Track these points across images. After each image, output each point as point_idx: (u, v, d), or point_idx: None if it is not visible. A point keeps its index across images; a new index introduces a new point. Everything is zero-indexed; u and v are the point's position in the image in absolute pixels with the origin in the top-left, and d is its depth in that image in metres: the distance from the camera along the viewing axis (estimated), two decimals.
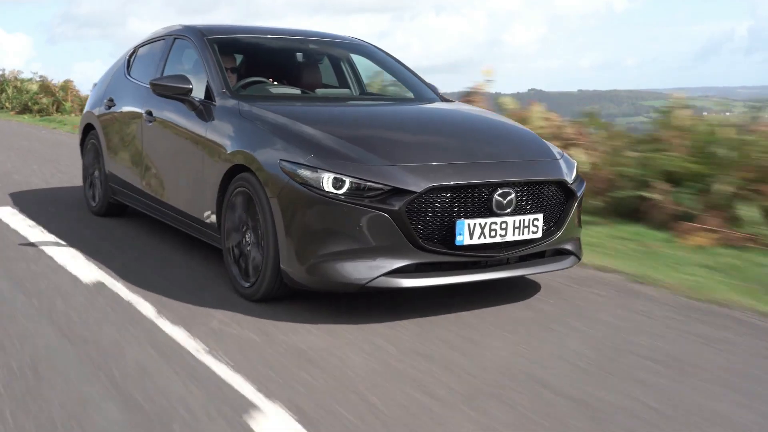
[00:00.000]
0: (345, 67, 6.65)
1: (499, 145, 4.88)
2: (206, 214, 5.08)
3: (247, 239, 4.65)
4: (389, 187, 4.13)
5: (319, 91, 6.05)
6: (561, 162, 4.81)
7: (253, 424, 3.00)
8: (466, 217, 4.23)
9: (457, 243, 4.20)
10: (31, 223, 6.74)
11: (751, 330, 4.38)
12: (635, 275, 5.42)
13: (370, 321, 4.28)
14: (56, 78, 24.84)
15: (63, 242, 6.00)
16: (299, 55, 6.42)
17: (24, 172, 10.13)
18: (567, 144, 7.92)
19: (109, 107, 6.79)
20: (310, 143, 4.41)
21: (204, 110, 5.21)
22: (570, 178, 4.72)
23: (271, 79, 5.89)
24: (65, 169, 10.54)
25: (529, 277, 5.14)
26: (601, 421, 3.13)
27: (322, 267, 4.15)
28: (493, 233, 4.28)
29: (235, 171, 4.73)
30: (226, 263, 4.86)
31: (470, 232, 4.22)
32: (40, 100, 23.25)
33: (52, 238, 6.16)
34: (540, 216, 4.46)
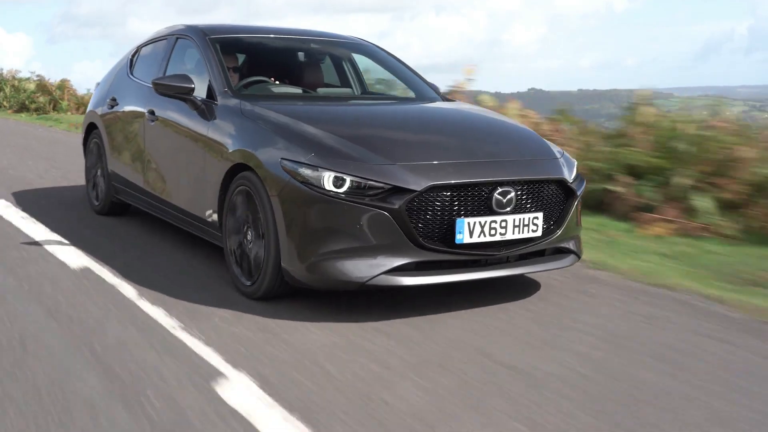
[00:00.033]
0: (347, 67, 6.65)
1: (499, 144, 4.88)
2: (208, 213, 5.08)
3: (248, 238, 4.65)
4: (390, 186, 4.13)
5: (321, 90, 6.05)
6: (561, 161, 4.80)
7: (219, 390, 3.28)
8: (466, 216, 4.23)
9: (457, 241, 4.21)
10: (24, 215, 6.99)
11: (690, 310, 4.69)
12: (593, 262, 5.70)
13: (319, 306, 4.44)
14: (55, 78, 25.38)
15: (55, 233, 6.24)
16: (301, 55, 6.43)
17: (19, 168, 10.36)
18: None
19: (112, 106, 6.79)
20: (311, 142, 4.42)
21: (206, 109, 5.21)
22: (570, 177, 4.72)
23: (272, 79, 5.90)
24: (59, 165, 10.79)
25: (528, 275, 5.16)
26: (536, 387, 3.44)
27: (323, 265, 4.16)
28: (492, 232, 4.28)
29: (236, 170, 4.74)
30: (228, 262, 4.86)
31: (470, 230, 4.22)
32: (37, 99, 23.54)
33: (42, 227, 6.46)
34: (540, 215, 4.46)
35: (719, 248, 6.24)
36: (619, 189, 7.35)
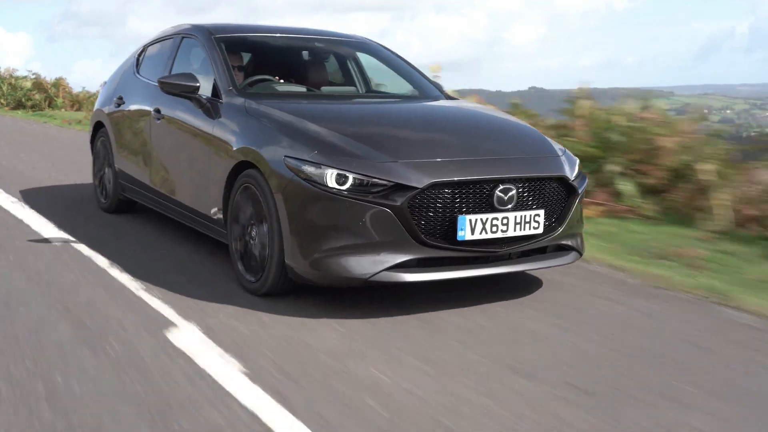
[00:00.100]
0: (351, 65, 6.63)
1: (501, 142, 4.87)
2: (213, 210, 5.09)
3: (252, 235, 4.65)
4: (392, 183, 4.12)
5: (325, 89, 6.04)
6: (563, 158, 4.79)
7: (169, 336, 3.90)
8: (468, 213, 4.22)
9: (458, 238, 4.20)
10: (14, 199, 7.60)
11: (594, 277, 5.28)
12: None
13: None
14: (55, 77, 25.71)
15: (42, 216, 6.81)
16: (305, 54, 6.41)
17: (12, 160, 10.91)
18: None
19: (119, 105, 6.80)
20: (314, 140, 4.41)
21: (211, 108, 5.22)
22: (571, 174, 4.70)
23: (277, 77, 5.89)
24: (50, 157, 11.42)
25: (529, 272, 5.17)
26: (439, 333, 4.06)
27: (326, 262, 4.16)
28: (494, 229, 4.27)
29: (240, 167, 4.73)
30: (232, 259, 4.87)
31: (471, 227, 4.21)
32: (33, 97, 24.00)
33: (28, 210, 7.06)
34: (541, 212, 4.45)
35: (639, 227, 6.86)
36: None
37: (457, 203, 4.21)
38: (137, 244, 5.84)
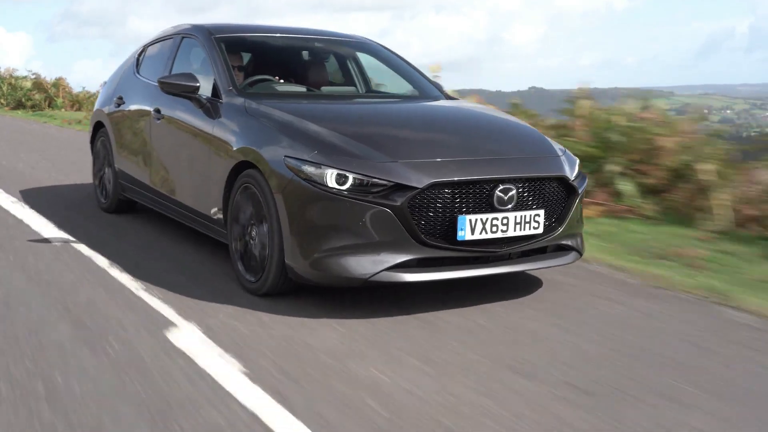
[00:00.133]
0: (351, 66, 6.61)
1: (501, 142, 4.86)
2: (213, 210, 5.08)
3: (252, 235, 4.64)
4: (392, 183, 4.11)
5: (325, 89, 6.03)
6: (563, 158, 4.78)
7: (169, 336, 3.92)
8: (468, 213, 4.21)
9: (458, 238, 4.19)
10: (14, 199, 7.64)
11: (594, 277, 5.29)
12: None
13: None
14: (55, 77, 25.87)
15: (42, 216, 6.85)
16: (305, 54, 6.40)
17: (11, 159, 11.01)
18: None
19: (119, 105, 6.79)
20: (314, 140, 4.40)
21: (211, 108, 5.21)
22: (571, 174, 4.69)
23: (277, 78, 5.88)
24: (49, 157, 11.50)
25: (530, 272, 5.17)
26: (439, 333, 4.06)
27: (326, 262, 4.15)
28: (494, 229, 4.26)
29: (240, 167, 4.72)
30: (232, 259, 4.86)
31: (471, 227, 4.20)
32: (33, 97, 24.11)
33: (28, 210, 7.10)
34: (541, 212, 4.44)
35: (639, 227, 6.85)
36: None
37: (457, 203, 4.20)
38: (137, 244, 5.86)
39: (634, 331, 4.20)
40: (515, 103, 9.52)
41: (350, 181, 4.12)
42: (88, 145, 7.58)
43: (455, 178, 4.19)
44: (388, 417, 3.06)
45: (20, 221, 6.59)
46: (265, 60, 6.12)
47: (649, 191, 7.38)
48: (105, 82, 7.62)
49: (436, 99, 5.99)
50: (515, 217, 4.32)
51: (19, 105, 24.19)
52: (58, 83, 24.39)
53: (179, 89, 5.34)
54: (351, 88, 6.42)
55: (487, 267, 4.36)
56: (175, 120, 5.65)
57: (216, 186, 4.99)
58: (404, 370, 3.53)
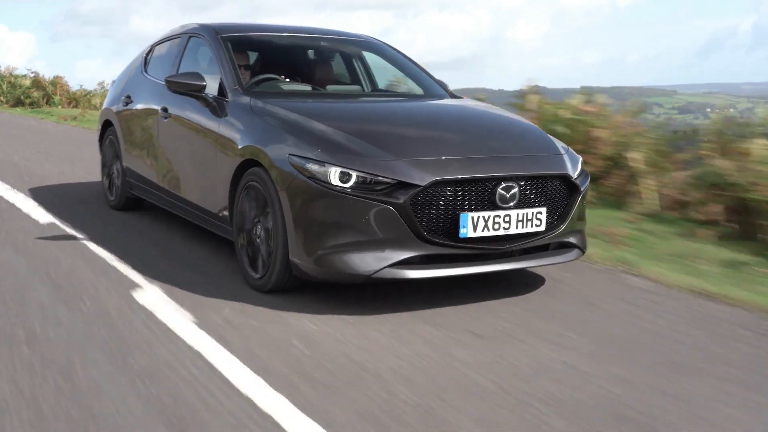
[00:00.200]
0: (357, 64, 6.59)
1: (503, 140, 4.84)
2: (219, 208, 5.12)
3: (257, 232, 4.64)
4: (395, 181, 4.11)
5: (330, 87, 6.00)
6: (565, 157, 4.76)
7: (134, 295, 4.47)
8: (470, 210, 4.20)
9: (461, 235, 4.18)
10: (7, 186, 8.08)
11: None
12: None
13: None
14: (53, 75, 25.98)
15: (32, 200, 7.36)
16: (311, 53, 6.37)
17: (8, 152, 11.39)
18: None
19: (127, 104, 6.77)
20: (318, 138, 4.39)
21: (217, 106, 5.20)
22: (574, 172, 4.67)
23: (283, 76, 5.86)
24: (44, 150, 11.94)
25: (531, 269, 5.17)
26: (370, 291, 4.45)
27: (330, 258, 4.14)
28: (496, 226, 4.25)
29: (246, 165, 4.72)
30: (238, 255, 4.86)
31: (474, 225, 4.19)
32: (32, 94, 24.24)
33: (21, 195, 7.57)
34: (543, 209, 4.42)
35: None
36: None
37: (459, 201, 4.19)
38: (117, 225, 6.37)
39: (539, 292, 4.69)
40: (478, 98, 9.89)
41: (353, 179, 4.12)
42: (82, 140, 7.84)
43: (457, 176, 4.18)
44: (309, 354, 3.64)
45: (12, 205, 7.05)
46: (271, 59, 6.10)
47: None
48: (113, 81, 7.66)
49: (441, 98, 5.96)
50: (517, 214, 4.31)
51: (18, 102, 24.45)
52: (55, 81, 24.70)
53: (186, 88, 5.33)
54: (356, 87, 6.40)
55: (490, 264, 4.35)
56: (182, 119, 5.64)
57: (222, 184, 4.98)
58: (331, 321, 4.10)
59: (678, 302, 4.73)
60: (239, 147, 4.80)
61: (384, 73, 6.68)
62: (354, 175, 4.13)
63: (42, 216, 6.63)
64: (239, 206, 4.82)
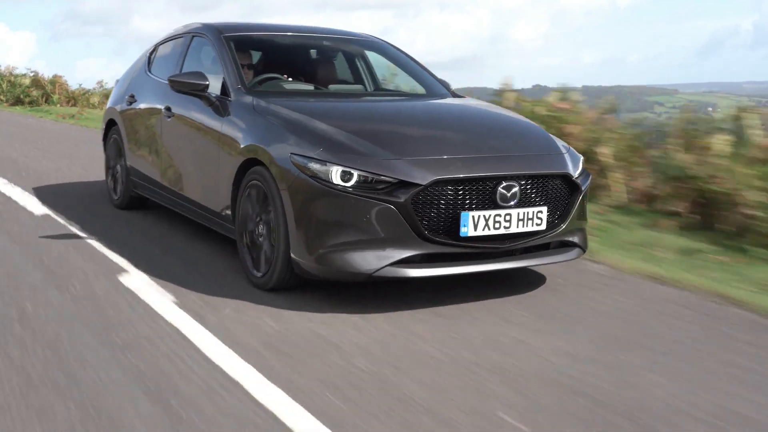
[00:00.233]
0: (360, 64, 6.56)
1: (504, 140, 4.82)
2: (222, 206, 5.11)
3: (259, 231, 4.63)
4: (396, 180, 4.10)
5: (333, 87, 5.99)
6: (566, 156, 4.74)
7: (120, 279, 4.76)
8: (471, 210, 4.19)
9: (461, 234, 4.17)
10: (5, 181, 8.29)
11: None
12: None
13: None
14: (53, 74, 25.85)
15: (27, 193, 7.60)
16: (314, 52, 6.35)
17: (6, 149, 11.57)
18: None
19: (131, 103, 6.74)
20: (320, 137, 4.38)
21: (220, 106, 5.18)
22: (575, 171, 4.65)
23: (285, 76, 5.85)
24: (41, 147, 12.10)
25: (531, 268, 5.14)
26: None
27: (331, 257, 4.14)
28: (497, 225, 4.23)
29: (248, 164, 4.70)
30: (240, 254, 4.84)
31: (474, 223, 4.18)
32: (31, 93, 24.31)
33: (18, 189, 7.78)
34: (544, 209, 4.40)
35: None
36: None
37: (459, 200, 4.18)
38: (111, 215, 6.66)
39: (500, 276, 4.87)
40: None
41: (355, 178, 4.11)
42: (78, 137, 7.97)
43: (458, 176, 4.17)
44: (278, 329, 3.93)
45: (9, 198, 7.29)
46: (274, 58, 6.09)
47: None
48: (118, 80, 7.65)
49: (443, 97, 5.93)
50: (518, 213, 4.29)
51: (17, 101, 24.51)
52: (54, 80, 24.76)
53: (188, 87, 5.31)
54: (358, 86, 6.37)
55: (491, 263, 4.33)
56: (185, 118, 5.62)
57: (224, 182, 4.97)
58: (303, 300, 4.38)
59: (629, 285, 5.00)
60: (241, 146, 4.79)
61: (384, 71, 6.69)
62: (355, 174, 4.12)
63: (37, 208, 6.86)
64: (241, 205, 4.81)
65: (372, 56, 6.58)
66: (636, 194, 7.49)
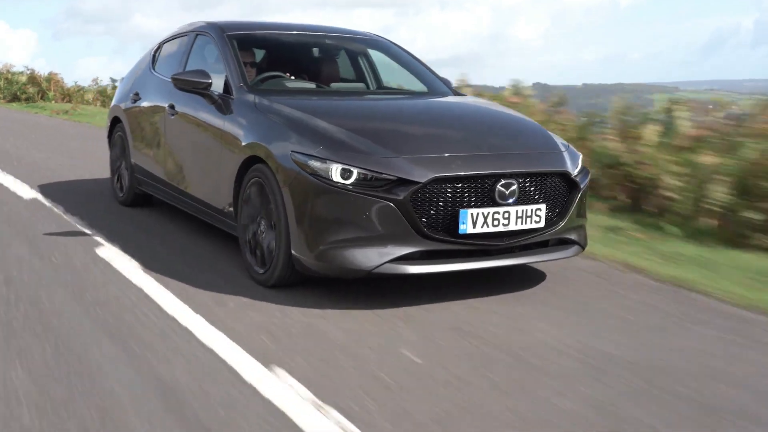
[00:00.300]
0: (362, 62, 6.55)
1: (504, 138, 4.81)
2: (224, 204, 5.05)
3: (261, 228, 4.62)
4: (395, 178, 4.08)
5: (334, 85, 5.98)
6: (565, 154, 4.72)
7: (97, 251, 5.24)
8: (470, 207, 4.17)
9: (460, 232, 4.15)
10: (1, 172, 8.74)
11: None
12: None
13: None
14: (48, 72, 26.61)
15: (18, 179, 8.10)
16: (316, 51, 6.36)
17: (1, 142, 12.01)
18: None
19: (135, 101, 6.75)
20: (321, 135, 4.37)
21: (222, 104, 5.17)
22: (574, 169, 4.63)
23: (288, 74, 5.84)
24: (35, 140, 12.69)
25: (530, 264, 5.10)
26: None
27: (331, 254, 4.13)
28: (495, 223, 4.21)
29: (250, 162, 4.70)
30: (242, 251, 4.83)
31: (473, 221, 4.16)
32: (28, 90, 24.76)
33: (10, 178, 8.24)
34: (543, 206, 4.39)
35: None
36: None
37: (458, 197, 4.17)
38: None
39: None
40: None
41: (355, 176, 4.09)
42: (71, 132, 8.62)
43: (457, 173, 4.15)
44: (224, 285, 4.46)
45: (1, 184, 7.79)
46: (277, 57, 6.09)
47: None
48: (122, 78, 7.64)
49: (445, 95, 5.92)
50: (517, 211, 4.27)
51: (14, 98, 24.93)
52: (50, 78, 25.30)
53: (191, 86, 5.31)
54: (360, 85, 6.36)
55: (489, 260, 4.32)
56: (188, 116, 5.62)
57: (226, 180, 4.96)
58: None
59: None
60: (243, 144, 4.78)
61: (386, 70, 6.59)
62: (355, 172, 4.10)
63: (26, 193, 7.36)
64: (243, 202, 4.80)
65: (375, 55, 6.57)
66: None
